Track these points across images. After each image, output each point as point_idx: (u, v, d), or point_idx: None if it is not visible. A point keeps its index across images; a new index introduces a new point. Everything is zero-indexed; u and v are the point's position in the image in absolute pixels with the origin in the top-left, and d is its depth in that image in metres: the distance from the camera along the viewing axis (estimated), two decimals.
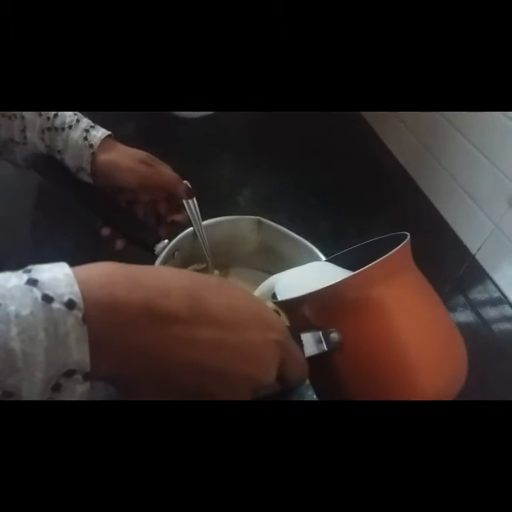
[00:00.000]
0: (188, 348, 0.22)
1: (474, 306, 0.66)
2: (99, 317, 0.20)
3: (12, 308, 0.18)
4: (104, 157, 0.46)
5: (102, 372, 0.21)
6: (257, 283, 0.53)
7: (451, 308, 0.65)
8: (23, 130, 0.45)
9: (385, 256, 0.32)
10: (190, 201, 0.50)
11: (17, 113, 0.44)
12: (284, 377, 0.28)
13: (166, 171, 0.49)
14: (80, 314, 0.19)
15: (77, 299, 0.19)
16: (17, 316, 0.18)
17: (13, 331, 0.18)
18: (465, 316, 0.65)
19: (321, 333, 0.32)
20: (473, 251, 0.72)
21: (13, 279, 0.19)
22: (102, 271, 0.21)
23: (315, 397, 0.48)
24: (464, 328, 0.62)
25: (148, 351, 0.22)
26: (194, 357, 0.23)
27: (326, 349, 0.32)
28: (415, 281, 0.36)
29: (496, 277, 0.68)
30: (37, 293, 0.19)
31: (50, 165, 0.47)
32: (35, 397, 0.19)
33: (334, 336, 0.31)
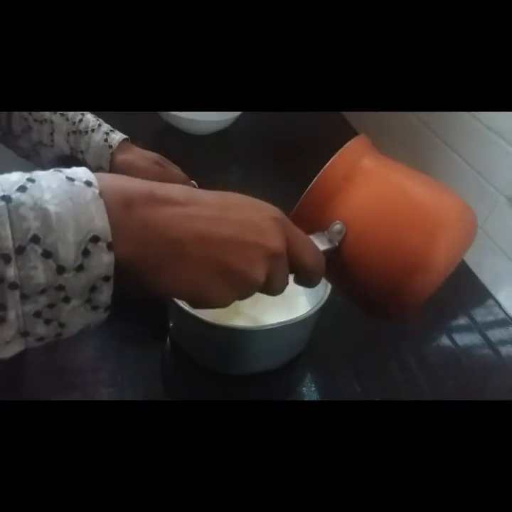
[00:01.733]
0: (193, 222, 0.24)
1: (464, 304, 0.70)
2: (112, 196, 0.23)
3: (44, 182, 0.21)
4: (121, 157, 0.52)
5: (123, 251, 0.22)
6: None
7: (443, 307, 0.69)
8: (52, 133, 0.52)
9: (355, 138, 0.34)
10: None
11: (47, 118, 0.51)
12: (297, 259, 0.28)
13: (175, 171, 0.55)
14: (96, 191, 0.22)
15: (93, 180, 0.22)
16: (48, 187, 0.21)
17: (47, 196, 0.21)
18: (454, 311, 0.69)
19: (326, 231, 0.33)
20: None
21: (41, 171, 0.23)
22: (111, 174, 0.25)
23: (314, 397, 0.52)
24: (452, 323, 0.66)
25: (158, 228, 0.24)
26: (201, 229, 0.24)
27: (336, 244, 0.32)
28: (388, 161, 0.37)
29: (482, 278, 0.72)
30: (62, 175, 0.22)
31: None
32: (70, 261, 0.21)
33: (338, 226, 0.32)
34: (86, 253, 0.21)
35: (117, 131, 0.54)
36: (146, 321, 0.58)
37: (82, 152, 0.52)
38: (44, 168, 0.59)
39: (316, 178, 0.33)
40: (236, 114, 0.92)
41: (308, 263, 0.29)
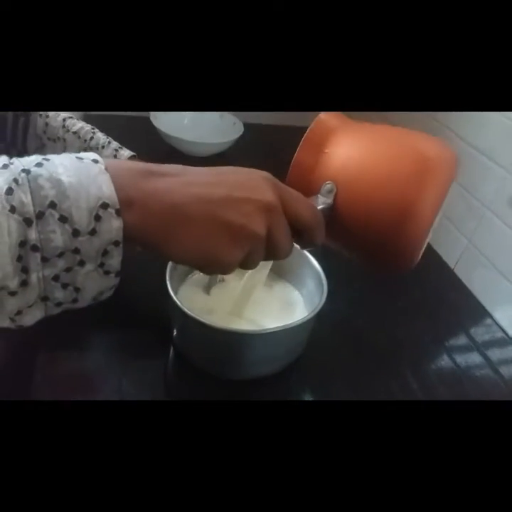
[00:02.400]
0: (191, 187, 0.27)
1: (456, 313, 0.72)
2: (115, 171, 0.25)
3: (57, 160, 0.25)
4: None
5: (131, 219, 0.25)
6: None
7: (436, 318, 0.71)
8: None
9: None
10: None
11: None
12: (294, 215, 0.30)
13: None
14: (102, 166, 0.25)
15: (99, 159, 0.26)
16: (61, 163, 0.24)
17: (60, 170, 0.24)
18: (446, 321, 0.71)
19: (318, 194, 0.34)
20: (451, 265, 0.79)
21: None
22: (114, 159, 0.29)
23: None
24: (444, 333, 0.68)
25: (160, 196, 0.26)
26: (198, 192, 0.27)
27: (330, 202, 0.33)
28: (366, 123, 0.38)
29: (472, 289, 0.75)
30: (72, 156, 0.26)
31: None
32: (84, 225, 0.24)
33: (328, 186, 0.33)
34: (97, 218, 0.24)
35: (126, 149, 0.57)
36: (148, 327, 0.60)
37: None
38: None
39: (299, 147, 0.35)
40: (235, 136, 0.97)
41: (305, 217, 0.31)
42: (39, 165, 0.24)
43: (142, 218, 0.26)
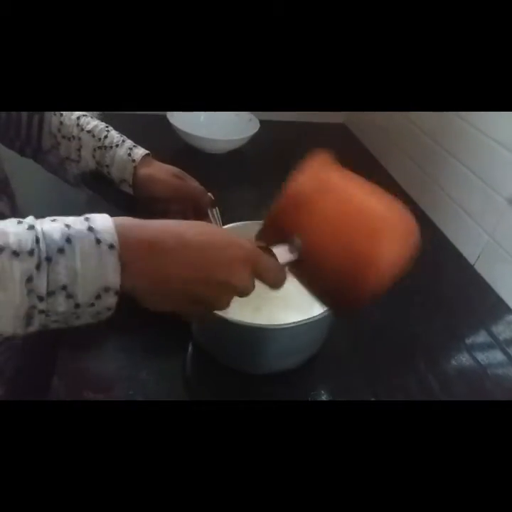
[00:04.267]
0: (179, 268, 0.33)
1: (477, 311, 0.71)
2: (125, 253, 0.30)
3: (77, 247, 0.29)
4: (143, 171, 0.56)
5: (126, 286, 0.31)
6: None
7: (456, 314, 0.70)
8: (79, 149, 0.55)
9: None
10: (214, 210, 0.60)
11: (75, 135, 0.55)
12: (261, 279, 0.37)
13: (194, 184, 0.58)
14: (116, 253, 0.30)
15: (115, 244, 0.30)
16: (81, 251, 0.29)
17: (77, 259, 0.29)
18: (466, 317, 0.70)
19: (288, 244, 0.38)
20: (472, 261, 0.78)
21: (77, 224, 0.30)
22: (130, 227, 0.33)
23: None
24: (463, 330, 0.67)
25: (153, 269, 0.32)
26: (183, 273, 0.33)
27: (297, 255, 0.37)
28: (342, 176, 0.42)
29: (494, 285, 0.74)
30: (92, 237, 0.30)
31: (96, 181, 0.58)
32: (86, 302, 0.29)
33: (298, 241, 0.37)
34: (98, 297, 0.30)
35: (140, 147, 0.58)
36: (167, 323, 0.60)
37: (107, 166, 0.56)
38: (69, 182, 0.62)
39: (275, 201, 0.40)
40: (251, 133, 0.96)
41: (269, 282, 0.38)
42: (61, 251, 0.28)
43: (135, 283, 0.32)
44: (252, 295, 0.52)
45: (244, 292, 0.36)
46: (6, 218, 0.29)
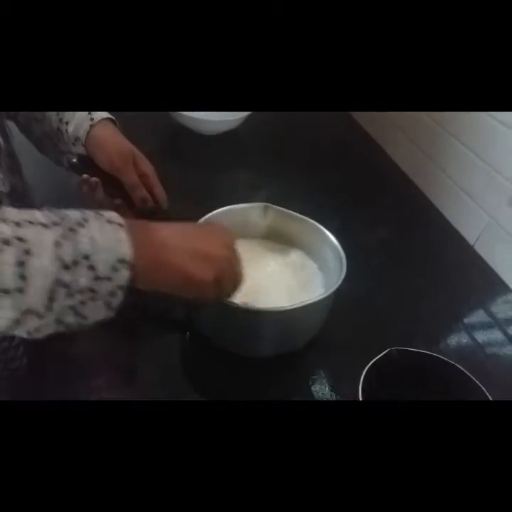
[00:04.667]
0: (177, 242, 0.37)
1: (477, 291, 0.71)
2: (132, 231, 0.34)
3: (93, 223, 0.32)
4: (96, 133, 0.52)
5: (138, 265, 0.33)
6: (268, 258, 0.59)
7: (456, 295, 0.70)
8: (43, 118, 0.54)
9: None
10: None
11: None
12: (222, 281, 0.40)
13: (131, 177, 0.54)
14: (125, 230, 0.33)
15: (123, 223, 0.34)
16: (96, 226, 0.32)
17: (96, 231, 0.32)
18: (466, 298, 0.69)
19: None
20: (471, 242, 0.77)
21: (86, 211, 0.34)
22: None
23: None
24: (463, 310, 0.67)
25: (155, 245, 0.36)
26: (179, 261, 0.37)
27: None
28: None
29: (494, 265, 0.73)
30: (103, 219, 0.33)
31: (82, 166, 0.55)
32: (104, 273, 0.31)
33: None
34: (115, 269, 0.32)
35: (107, 113, 0.54)
36: (166, 306, 0.59)
37: (67, 123, 0.53)
38: (61, 165, 0.59)
39: None
40: (245, 114, 0.94)
41: (229, 286, 0.42)
42: (81, 225, 0.32)
43: (143, 264, 0.34)
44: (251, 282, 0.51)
45: (230, 247, 0.41)
46: (19, 194, 0.32)
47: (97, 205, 0.53)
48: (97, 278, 0.31)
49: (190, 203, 0.61)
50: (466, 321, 0.65)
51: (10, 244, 0.28)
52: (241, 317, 0.49)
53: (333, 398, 0.52)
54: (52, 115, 0.54)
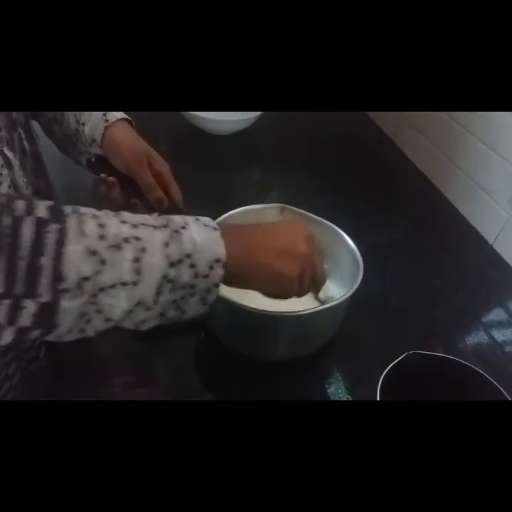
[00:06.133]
0: (264, 257, 0.39)
1: (496, 291, 0.69)
2: (225, 233, 0.36)
3: (192, 226, 0.35)
4: (111, 134, 0.52)
5: (231, 266, 0.36)
6: None
7: (475, 295, 0.68)
8: (63, 117, 0.54)
9: None
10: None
11: None
12: (305, 276, 0.42)
13: (147, 177, 0.53)
14: (219, 233, 0.36)
15: (217, 226, 0.36)
16: (195, 229, 0.35)
17: (195, 233, 0.34)
18: (485, 297, 0.68)
19: None
20: (490, 241, 0.75)
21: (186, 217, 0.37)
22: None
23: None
24: (482, 309, 0.65)
25: (244, 244, 0.39)
26: (266, 261, 0.39)
27: None
28: None
29: None
30: (200, 223, 0.36)
31: (100, 166, 0.56)
32: (203, 271, 0.34)
33: None
34: (211, 268, 0.35)
35: (122, 113, 0.54)
36: None
37: (83, 124, 0.53)
38: (80, 164, 0.60)
39: None
40: (257, 113, 0.93)
41: (319, 280, 0.44)
42: (184, 228, 0.35)
43: (234, 263, 0.36)
44: None
45: (311, 241, 0.42)
46: (43, 196, 0.32)
47: (115, 205, 0.54)
48: (196, 275, 0.34)
49: (203, 203, 0.61)
50: (485, 321, 0.63)
51: (129, 242, 0.32)
52: (255, 321, 0.48)
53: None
54: (71, 116, 0.55)
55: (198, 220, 0.36)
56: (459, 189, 0.82)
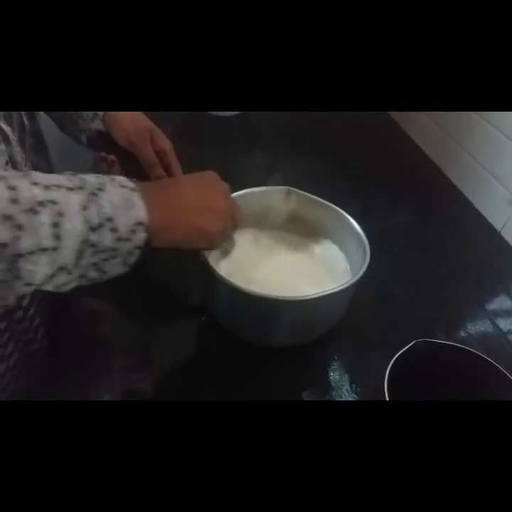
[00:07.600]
0: (187, 214, 0.40)
1: (503, 280, 0.68)
2: (145, 193, 0.36)
3: (110, 188, 0.34)
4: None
5: (153, 228, 0.35)
6: (291, 245, 0.57)
7: (482, 282, 0.67)
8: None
9: None
10: None
11: None
12: (227, 228, 0.44)
13: (149, 154, 0.53)
14: (139, 194, 0.35)
15: (137, 188, 0.35)
16: (113, 191, 0.34)
17: (114, 195, 0.34)
18: (492, 285, 0.67)
19: None
20: (498, 228, 0.74)
21: (100, 176, 0.35)
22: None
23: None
24: (489, 297, 0.64)
25: (166, 201, 0.38)
26: (191, 218, 0.40)
27: None
28: None
29: None
30: (116, 183, 0.35)
31: (101, 143, 0.55)
32: (125, 234, 0.34)
33: None
34: (133, 231, 0.34)
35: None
36: (183, 295, 0.58)
37: None
38: (57, 123, 0.59)
39: None
40: None
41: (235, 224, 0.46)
42: (101, 189, 0.34)
43: (157, 225, 0.36)
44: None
45: (226, 226, 0.43)
46: (44, 173, 0.32)
47: None
48: (119, 239, 0.34)
49: None
50: (491, 309, 0.62)
51: (45, 205, 0.30)
52: (258, 305, 0.47)
53: (353, 390, 0.50)
54: None
55: (113, 180, 0.35)
56: (467, 174, 0.81)
